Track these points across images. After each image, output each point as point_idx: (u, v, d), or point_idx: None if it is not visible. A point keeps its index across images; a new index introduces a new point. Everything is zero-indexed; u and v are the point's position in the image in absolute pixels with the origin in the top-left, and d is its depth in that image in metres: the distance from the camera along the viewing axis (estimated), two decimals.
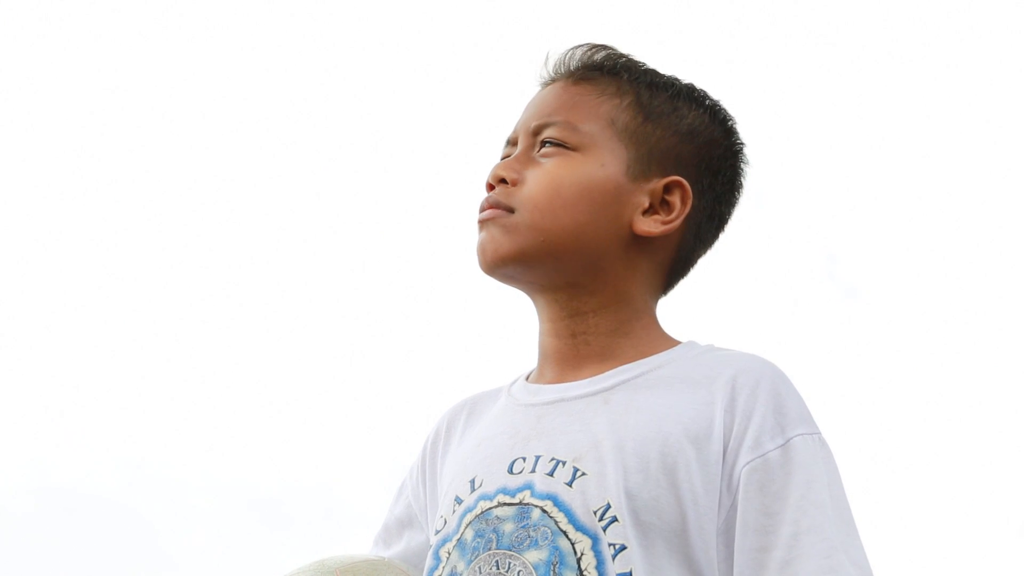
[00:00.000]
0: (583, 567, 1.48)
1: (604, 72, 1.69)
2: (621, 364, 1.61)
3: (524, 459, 1.56)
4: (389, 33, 4.37)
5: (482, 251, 1.65)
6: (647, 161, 1.64)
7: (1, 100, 4.40)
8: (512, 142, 1.71)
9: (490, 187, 1.66)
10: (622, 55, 1.72)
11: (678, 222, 1.64)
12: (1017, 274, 4.22)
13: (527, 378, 1.70)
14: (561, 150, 1.64)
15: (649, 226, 1.63)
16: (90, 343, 4.44)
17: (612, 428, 1.54)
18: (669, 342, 1.65)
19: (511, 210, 1.63)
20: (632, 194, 1.63)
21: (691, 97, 1.70)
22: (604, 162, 1.63)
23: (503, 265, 1.64)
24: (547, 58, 1.73)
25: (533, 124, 1.68)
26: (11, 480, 4.36)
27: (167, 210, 4.46)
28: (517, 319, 1.85)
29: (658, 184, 1.64)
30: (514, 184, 1.64)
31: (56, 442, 4.39)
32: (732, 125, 1.72)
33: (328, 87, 4.42)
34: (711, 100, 1.72)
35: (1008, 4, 4.16)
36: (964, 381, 4.23)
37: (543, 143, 1.66)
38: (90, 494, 4.36)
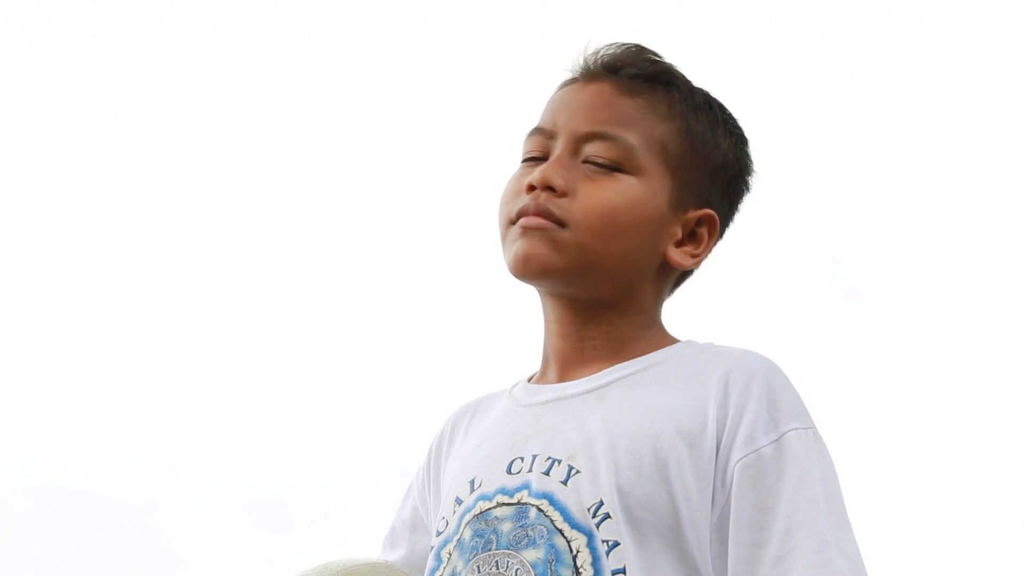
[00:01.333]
0: (579, 564, 1.48)
1: (655, 85, 1.66)
2: (620, 363, 1.61)
3: (522, 459, 1.57)
4: (392, 34, 4.37)
5: (524, 260, 1.59)
6: (685, 192, 1.64)
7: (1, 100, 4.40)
8: (547, 134, 1.65)
9: (530, 187, 1.60)
10: (665, 63, 1.69)
11: (705, 255, 1.66)
12: (1019, 275, 4.22)
13: (529, 379, 1.69)
14: (617, 173, 1.60)
15: (681, 258, 1.64)
16: (91, 343, 4.44)
17: (606, 425, 1.54)
18: (669, 340, 1.65)
19: (561, 224, 1.58)
20: (671, 224, 1.63)
21: (725, 125, 1.69)
22: (655, 191, 1.62)
23: (544, 277, 1.61)
24: (586, 49, 1.68)
25: (584, 130, 1.62)
26: (11, 480, 4.36)
27: (168, 209, 4.46)
28: (521, 320, 1.84)
29: (692, 216, 1.64)
30: (563, 194, 1.59)
31: (56, 442, 4.39)
32: (751, 155, 1.72)
33: (334, 84, 4.42)
34: (738, 129, 1.71)
35: (1008, 4, 4.16)
36: (966, 381, 4.23)
37: (594, 159, 1.61)
38: (90, 494, 4.36)
